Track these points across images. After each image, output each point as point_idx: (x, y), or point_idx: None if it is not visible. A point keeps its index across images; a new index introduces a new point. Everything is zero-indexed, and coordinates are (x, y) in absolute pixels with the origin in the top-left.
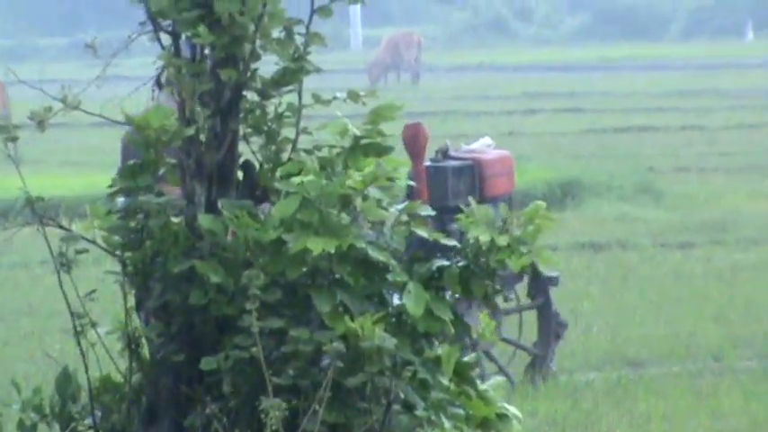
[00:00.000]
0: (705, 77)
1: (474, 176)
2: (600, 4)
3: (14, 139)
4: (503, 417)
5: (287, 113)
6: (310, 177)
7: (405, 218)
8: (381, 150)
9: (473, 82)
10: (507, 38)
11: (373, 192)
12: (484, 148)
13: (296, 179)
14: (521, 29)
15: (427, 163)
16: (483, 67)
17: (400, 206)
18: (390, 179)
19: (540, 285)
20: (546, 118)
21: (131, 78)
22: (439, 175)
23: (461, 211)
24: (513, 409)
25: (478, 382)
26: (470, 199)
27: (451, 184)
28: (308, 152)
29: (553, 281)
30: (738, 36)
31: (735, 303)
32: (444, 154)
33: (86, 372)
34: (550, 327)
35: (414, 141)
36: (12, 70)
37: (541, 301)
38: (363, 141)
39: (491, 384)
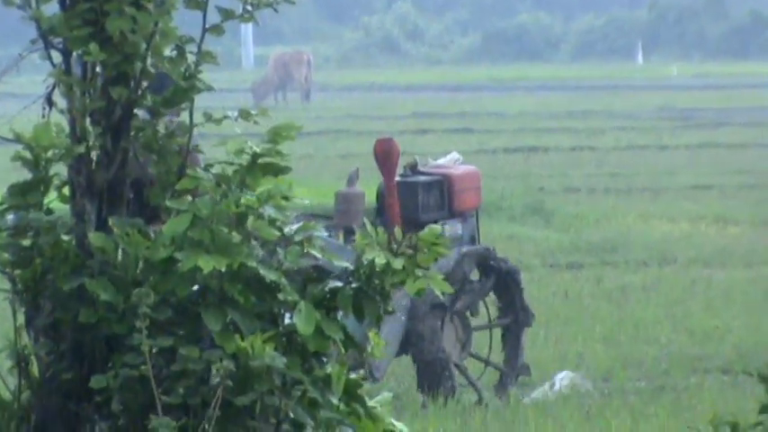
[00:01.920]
0: (595, 98)
1: (443, 191)
2: (491, 25)
3: None
4: None
5: (178, 132)
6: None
7: (298, 237)
8: (279, 170)
9: (364, 101)
10: (398, 58)
11: (268, 211)
12: (452, 163)
13: (188, 198)
14: (412, 49)
15: (398, 178)
16: (374, 87)
17: (295, 226)
18: (286, 198)
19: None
20: (436, 138)
21: (21, 96)
22: (410, 190)
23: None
24: (400, 426)
25: (367, 399)
26: (365, 220)
27: (422, 199)
28: (204, 169)
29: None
30: (628, 58)
31: (624, 324)
32: (413, 169)
33: None
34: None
35: (386, 157)
36: None
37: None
38: (262, 160)
39: (378, 400)
